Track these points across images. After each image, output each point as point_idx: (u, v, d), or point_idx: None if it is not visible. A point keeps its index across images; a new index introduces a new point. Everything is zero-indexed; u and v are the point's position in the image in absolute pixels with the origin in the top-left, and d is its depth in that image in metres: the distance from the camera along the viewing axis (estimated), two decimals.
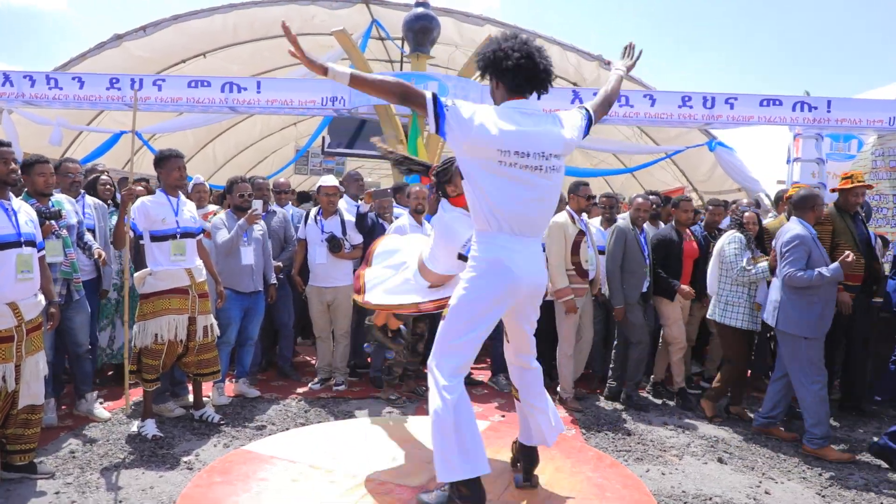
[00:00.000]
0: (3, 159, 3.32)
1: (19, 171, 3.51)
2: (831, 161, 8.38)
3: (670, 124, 7.08)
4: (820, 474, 3.87)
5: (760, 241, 5.02)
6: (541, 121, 2.70)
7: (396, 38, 8.39)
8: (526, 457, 3.16)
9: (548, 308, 5.33)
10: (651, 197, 5.77)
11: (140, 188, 4.86)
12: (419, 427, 3.99)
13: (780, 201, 5.80)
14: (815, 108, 6.92)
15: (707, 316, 4.99)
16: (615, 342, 5.38)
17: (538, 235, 2.84)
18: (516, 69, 2.65)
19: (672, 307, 5.22)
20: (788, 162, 7.52)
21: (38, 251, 3.43)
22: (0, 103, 6.67)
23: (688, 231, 5.41)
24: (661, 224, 5.78)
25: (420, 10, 6.44)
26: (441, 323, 2.80)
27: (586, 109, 2.93)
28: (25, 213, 3.41)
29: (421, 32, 6.38)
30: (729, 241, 4.80)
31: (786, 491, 3.63)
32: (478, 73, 2.89)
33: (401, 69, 8.82)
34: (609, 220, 5.58)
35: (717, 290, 4.87)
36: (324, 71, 2.61)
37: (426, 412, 4.77)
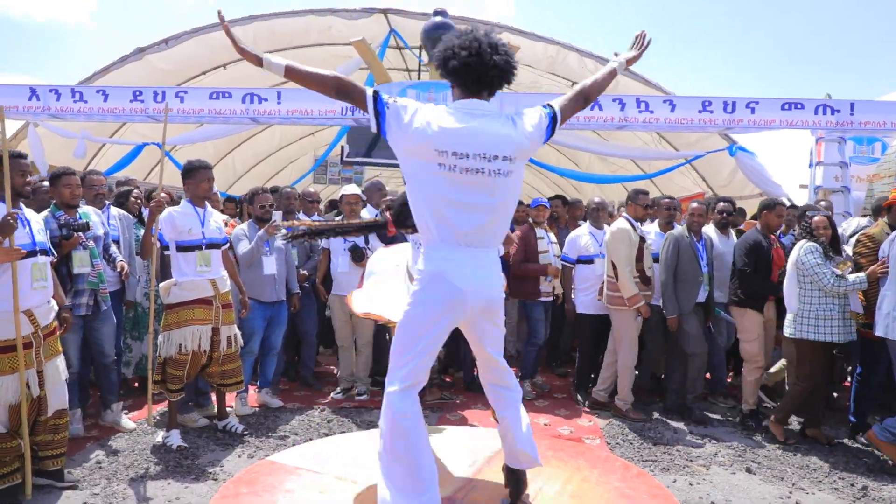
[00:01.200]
0: (20, 171, 3.39)
1: (47, 183, 3.57)
2: (855, 164, 8.26)
3: (690, 129, 7.01)
4: (852, 485, 3.79)
5: (836, 244, 4.60)
6: (489, 121, 2.49)
7: (414, 47, 8.43)
8: (512, 480, 2.95)
9: (594, 319, 5.31)
10: (721, 204, 5.55)
11: (165, 196, 4.93)
12: (443, 437, 3.97)
13: (880, 210, 5.21)
14: (838, 111, 6.82)
15: (787, 334, 4.51)
16: (667, 353, 5.29)
17: (489, 246, 2.61)
18: (464, 67, 2.48)
19: (755, 321, 4.89)
20: (811, 166, 7.42)
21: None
22: (27, 117, 6.79)
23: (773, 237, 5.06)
24: (732, 232, 5.58)
25: (438, 19, 6.46)
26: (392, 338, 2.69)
27: (550, 107, 2.64)
28: (37, 222, 3.50)
29: (439, 42, 6.39)
30: (805, 252, 4.38)
31: (817, 502, 3.56)
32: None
33: (419, 78, 8.85)
34: (668, 226, 5.38)
35: (798, 305, 4.45)
36: (259, 61, 2.55)
37: (449, 421, 4.82)
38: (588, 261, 5.43)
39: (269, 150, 12.84)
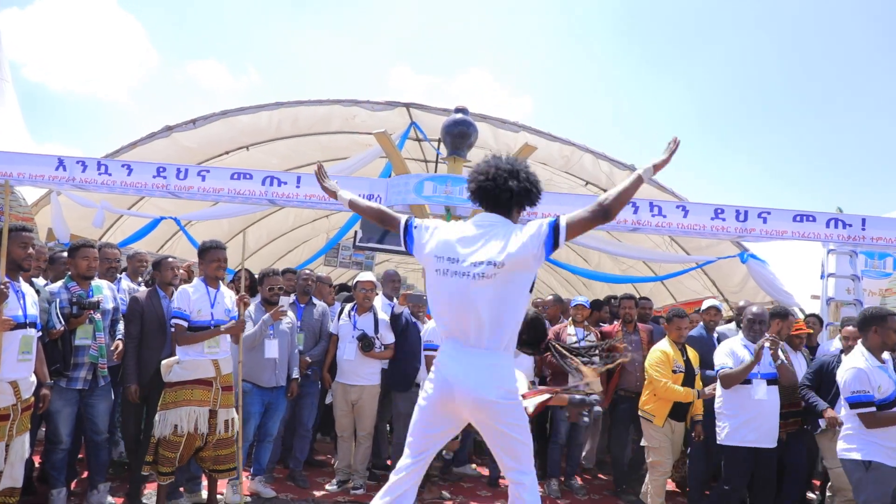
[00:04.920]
0: (22, 243, 3.45)
1: (66, 253, 3.61)
2: (867, 278, 8.24)
3: (702, 235, 7.04)
4: None
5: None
6: (489, 230, 2.70)
7: (433, 140, 8.65)
8: None
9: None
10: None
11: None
12: None
13: None
14: (850, 225, 6.85)
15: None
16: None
17: (490, 347, 2.65)
18: (479, 190, 2.80)
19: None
20: (822, 277, 7.40)
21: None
22: (52, 186, 6.93)
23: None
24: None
25: (459, 115, 6.63)
26: None
27: (554, 219, 2.66)
28: (31, 295, 3.55)
29: (459, 137, 6.55)
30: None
31: None
32: None
33: (436, 170, 9.04)
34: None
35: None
36: (334, 195, 3.16)
37: None
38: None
39: (283, 229, 12.99)
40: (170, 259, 4.65)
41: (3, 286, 3.21)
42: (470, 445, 6.11)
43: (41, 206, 7.94)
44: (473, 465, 6.02)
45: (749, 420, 4.42)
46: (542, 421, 5.86)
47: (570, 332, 5.72)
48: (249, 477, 4.92)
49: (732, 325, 6.03)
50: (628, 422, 5.61)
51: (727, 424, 4.50)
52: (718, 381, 4.59)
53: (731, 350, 4.61)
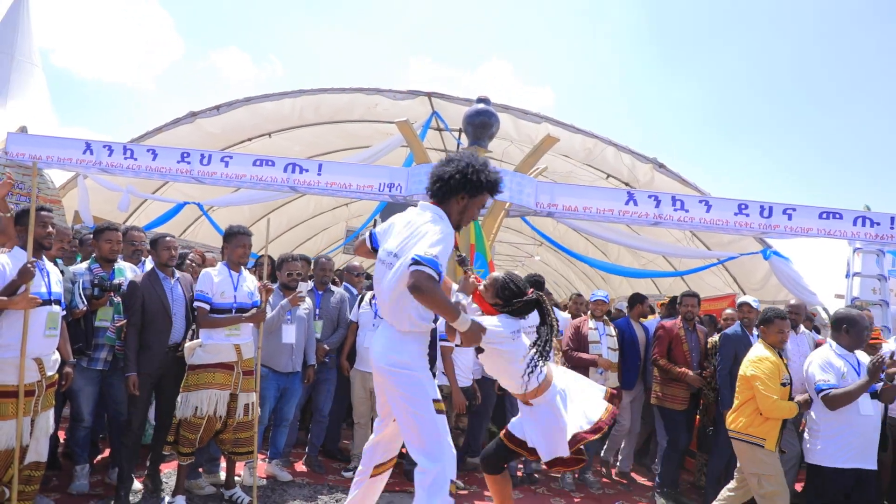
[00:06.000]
0: (42, 223, 3.52)
1: (88, 238, 3.67)
2: (893, 278, 8.09)
3: (725, 231, 6.94)
4: None
5: None
6: (406, 223, 3.03)
7: (454, 130, 8.63)
8: None
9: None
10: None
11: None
12: None
13: None
14: (878, 223, 6.72)
15: None
16: None
17: (391, 322, 3.03)
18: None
19: None
20: (848, 276, 7.29)
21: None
22: (79, 169, 7.04)
23: None
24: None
25: (481, 105, 6.61)
26: None
27: (420, 257, 2.75)
28: (55, 273, 3.62)
29: (480, 127, 6.53)
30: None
31: None
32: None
33: None
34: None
35: None
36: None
37: None
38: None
39: (303, 217, 13.07)
40: (167, 238, 4.33)
41: (30, 264, 3.28)
42: (484, 436, 6.12)
43: (68, 189, 8.07)
44: None
45: (852, 439, 3.87)
46: None
47: (591, 326, 5.70)
48: (266, 460, 4.98)
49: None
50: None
51: (825, 444, 3.92)
52: (818, 398, 3.96)
53: (828, 362, 4.00)
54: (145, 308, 4.11)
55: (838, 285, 7.93)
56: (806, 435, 4.13)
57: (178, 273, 4.42)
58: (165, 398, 4.29)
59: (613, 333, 5.74)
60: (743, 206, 6.63)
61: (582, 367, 5.41)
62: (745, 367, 4.23)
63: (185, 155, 6.72)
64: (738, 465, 4.34)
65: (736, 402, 4.30)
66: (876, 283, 7.08)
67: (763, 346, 4.28)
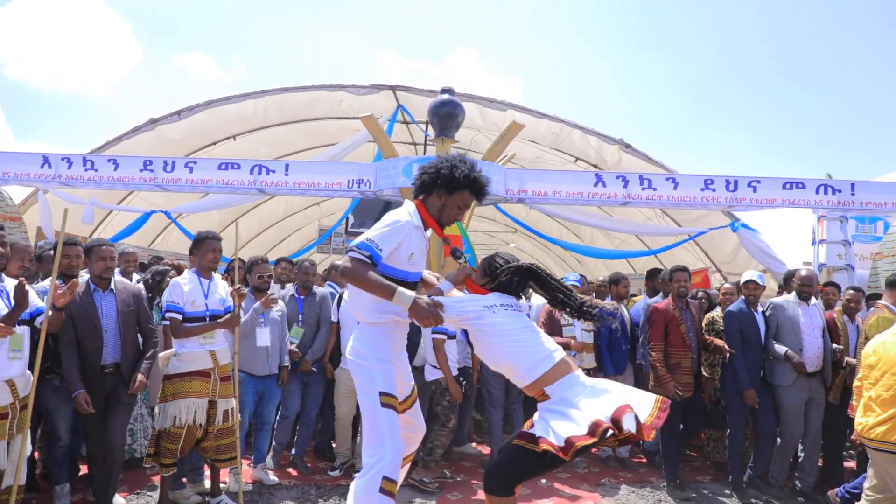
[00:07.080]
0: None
1: (51, 251, 3.58)
2: (858, 243, 8.28)
3: (693, 207, 7.06)
4: None
5: None
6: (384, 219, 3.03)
7: (421, 122, 8.61)
8: None
9: None
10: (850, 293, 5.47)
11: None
12: None
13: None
14: (839, 191, 6.89)
15: None
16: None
17: (354, 314, 3.14)
18: None
19: None
20: (814, 244, 7.44)
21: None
22: (38, 184, 6.88)
23: None
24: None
25: (445, 96, 6.61)
26: None
27: (362, 244, 2.84)
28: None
29: (446, 118, 6.53)
30: None
31: None
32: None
33: (424, 152, 9.01)
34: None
35: None
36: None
37: (450, 501, 4.64)
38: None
39: (274, 219, 12.96)
40: (103, 247, 4.03)
41: None
42: (469, 425, 6.15)
43: (29, 205, 7.89)
44: (474, 444, 6.07)
45: None
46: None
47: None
48: (251, 465, 4.95)
49: (792, 295, 5.24)
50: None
51: None
52: None
53: None
54: (75, 324, 3.87)
55: (805, 253, 8.11)
56: None
57: (117, 284, 4.17)
58: (113, 418, 4.02)
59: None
60: (709, 182, 6.75)
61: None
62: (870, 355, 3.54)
63: (148, 163, 6.62)
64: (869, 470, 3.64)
65: (871, 405, 3.49)
66: (841, 248, 7.24)
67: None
